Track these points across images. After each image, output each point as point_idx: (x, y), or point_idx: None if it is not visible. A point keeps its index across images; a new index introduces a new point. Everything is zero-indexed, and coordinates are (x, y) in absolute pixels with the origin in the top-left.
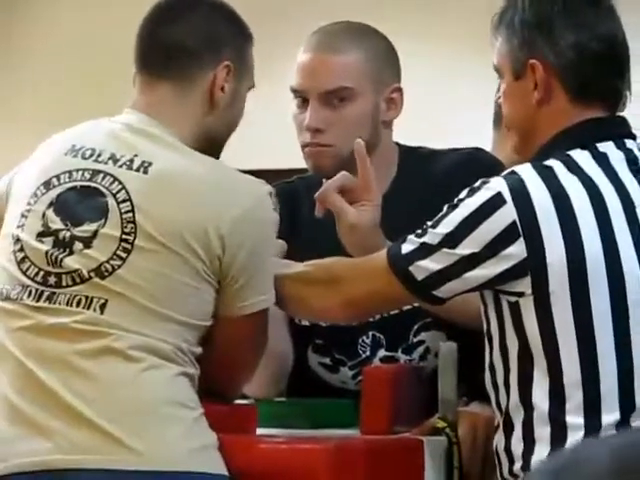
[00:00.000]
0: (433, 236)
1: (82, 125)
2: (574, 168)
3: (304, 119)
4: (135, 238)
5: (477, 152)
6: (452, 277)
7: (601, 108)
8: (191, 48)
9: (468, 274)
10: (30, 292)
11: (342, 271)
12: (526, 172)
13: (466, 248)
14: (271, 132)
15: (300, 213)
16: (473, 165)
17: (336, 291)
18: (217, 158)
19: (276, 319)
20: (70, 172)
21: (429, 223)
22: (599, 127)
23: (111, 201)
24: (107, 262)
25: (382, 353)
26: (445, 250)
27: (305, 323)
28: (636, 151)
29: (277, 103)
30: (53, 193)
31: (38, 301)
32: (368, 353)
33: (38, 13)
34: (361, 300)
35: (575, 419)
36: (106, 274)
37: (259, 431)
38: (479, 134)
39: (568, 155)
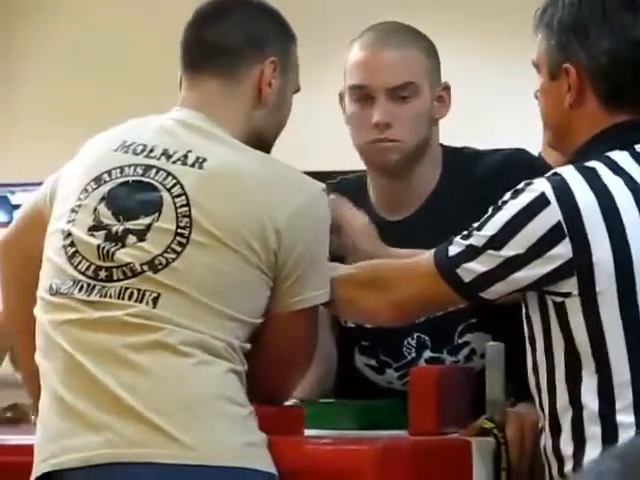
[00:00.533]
0: (478, 238)
1: (129, 122)
2: (616, 168)
3: (367, 116)
4: (191, 232)
5: (519, 152)
6: (498, 279)
7: (632, 113)
8: (232, 46)
9: (514, 275)
10: (81, 287)
11: (389, 273)
12: (569, 173)
13: (511, 250)
14: (315, 133)
15: None
16: (518, 164)
17: (383, 294)
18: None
19: (320, 320)
20: (122, 167)
21: (475, 225)
22: (635, 128)
23: (165, 195)
24: (161, 255)
25: (427, 354)
26: (490, 252)
27: (350, 325)
28: None
29: (313, 104)
30: (105, 188)
31: (89, 295)
32: (414, 354)
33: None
34: (408, 302)
35: (626, 418)
36: (160, 267)
37: (307, 432)
38: (518, 137)
39: (608, 156)
